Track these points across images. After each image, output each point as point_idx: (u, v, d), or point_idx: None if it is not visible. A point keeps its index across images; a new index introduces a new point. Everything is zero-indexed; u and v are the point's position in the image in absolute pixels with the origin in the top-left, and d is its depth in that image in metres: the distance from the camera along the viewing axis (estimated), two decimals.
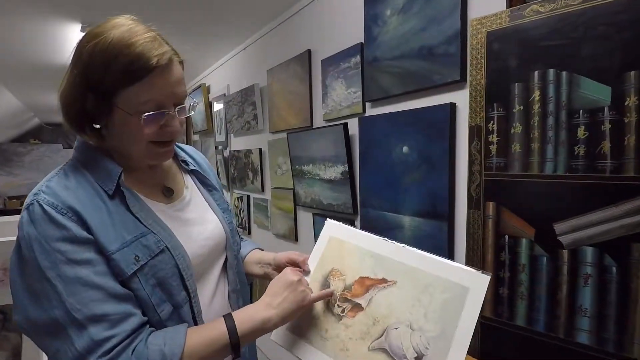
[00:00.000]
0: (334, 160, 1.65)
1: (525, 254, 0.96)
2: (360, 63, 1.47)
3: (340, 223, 0.87)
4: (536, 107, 0.92)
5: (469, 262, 1.07)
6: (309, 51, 1.82)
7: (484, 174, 1.03)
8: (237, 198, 2.81)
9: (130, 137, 0.67)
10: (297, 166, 1.92)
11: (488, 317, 1.03)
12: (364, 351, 0.71)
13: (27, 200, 0.63)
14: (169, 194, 0.76)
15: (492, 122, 1.01)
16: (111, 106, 0.64)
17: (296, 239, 2.08)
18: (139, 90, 0.62)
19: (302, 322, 0.78)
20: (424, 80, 1.21)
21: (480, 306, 0.65)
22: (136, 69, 0.61)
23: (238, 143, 2.78)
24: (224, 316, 0.68)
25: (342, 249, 0.83)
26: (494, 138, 1.01)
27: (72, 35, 2.29)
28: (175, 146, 0.83)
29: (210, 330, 0.65)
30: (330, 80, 1.67)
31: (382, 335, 0.70)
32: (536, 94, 0.92)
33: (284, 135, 2.00)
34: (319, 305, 0.79)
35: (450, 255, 1.17)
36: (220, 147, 3.06)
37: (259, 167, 2.42)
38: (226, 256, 0.83)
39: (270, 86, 2.19)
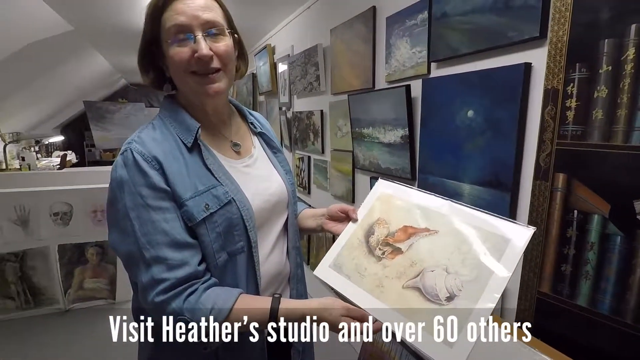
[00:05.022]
0: (394, 123, 1.60)
1: (596, 231, 0.88)
2: (428, 19, 1.37)
3: (393, 181, 0.91)
4: (629, 67, 0.80)
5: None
6: (373, 8, 1.74)
7: (557, 143, 0.94)
8: (299, 158, 2.89)
9: (173, 71, 0.74)
10: (357, 129, 1.91)
11: (545, 293, 0.98)
12: (398, 288, 0.73)
13: (122, 147, 0.73)
14: (236, 148, 0.83)
15: (571, 84, 0.90)
16: (160, 45, 0.74)
17: (353, 201, 2.11)
18: (166, 20, 0.72)
19: (343, 261, 0.83)
20: (497, 37, 1.10)
21: (519, 257, 0.65)
22: (161, 2, 0.72)
23: (301, 104, 2.81)
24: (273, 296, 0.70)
25: (391, 202, 0.87)
26: (572, 103, 0.90)
27: None
28: (246, 111, 0.91)
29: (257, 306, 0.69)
30: (394, 39, 1.59)
31: (417, 275, 0.73)
32: (630, 52, 0.80)
33: (345, 97, 1.97)
34: (362, 248, 0.83)
35: None
36: (283, 108, 3.12)
37: (319, 128, 2.44)
38: (287, 215, 0.89)
39: (333, 46, 2.15)
